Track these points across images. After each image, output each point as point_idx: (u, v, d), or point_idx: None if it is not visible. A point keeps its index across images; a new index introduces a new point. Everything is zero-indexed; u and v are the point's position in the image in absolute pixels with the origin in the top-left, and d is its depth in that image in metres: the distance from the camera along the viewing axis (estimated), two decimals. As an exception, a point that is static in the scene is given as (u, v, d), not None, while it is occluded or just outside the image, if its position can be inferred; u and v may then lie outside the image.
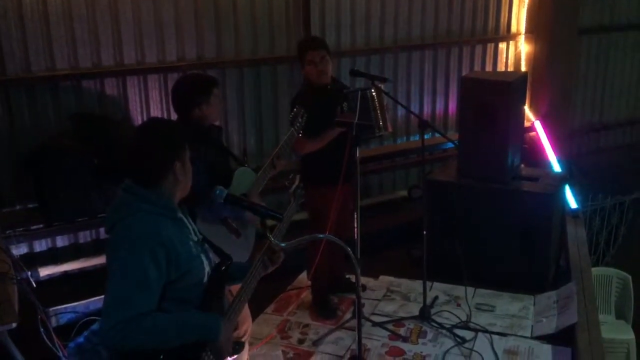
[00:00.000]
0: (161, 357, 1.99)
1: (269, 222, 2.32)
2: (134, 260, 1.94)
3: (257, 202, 2.76)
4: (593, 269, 4.95)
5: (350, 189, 3.72)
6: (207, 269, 2.16)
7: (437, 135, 4.97)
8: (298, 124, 3.30)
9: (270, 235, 2.21)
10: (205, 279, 2.14)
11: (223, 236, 2.90)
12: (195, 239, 2.18)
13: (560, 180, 4.93)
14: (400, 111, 5.76)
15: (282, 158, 3.21)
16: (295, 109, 3.36)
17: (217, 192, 2.16)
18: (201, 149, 2.80)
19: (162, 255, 1.97)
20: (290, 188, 2.71)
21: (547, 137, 6.39)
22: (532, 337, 3.90)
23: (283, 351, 3.83)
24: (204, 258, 2.16)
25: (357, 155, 3.34)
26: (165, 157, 2.05)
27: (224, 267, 2.20)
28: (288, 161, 3.26)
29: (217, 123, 3.23)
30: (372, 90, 3.76)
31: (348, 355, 3.73)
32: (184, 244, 2.07)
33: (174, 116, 3.16)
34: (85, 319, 3.90)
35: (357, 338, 2.53)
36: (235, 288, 2.40)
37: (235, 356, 2.20)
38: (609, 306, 5.13)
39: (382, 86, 3.85)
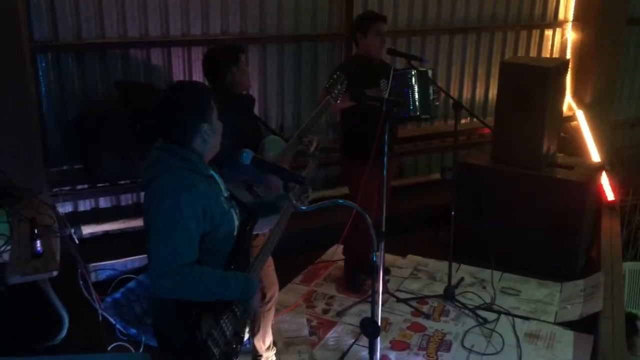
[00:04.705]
0: (193, 313, 2.11)
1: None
2: (175, 213, 2.04)
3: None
4: (630, 264, 4.89)
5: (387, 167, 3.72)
6: (236, 222, 2.29)
7: (476, 120, 4.96)
8: (337, 91, 3.24)
9: (292, 198, 2.31)
10: (235, 232, 2.28)
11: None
12: (226, 194, 2.30)
13: (597, 170, 4.87)
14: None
15: (309, 132, 3.15)
16: (336, 75, 3.30)
17: (244, 154, 2.25)
18: (232, 116, 2.89)
19: (199, 208, 2.09)
20: (308, 150, 2.78)
21: (589, 127, 6.27)
22: (555, 323, 3.92)
23: (307, 319, 3.95)
24: (233, 213, 2.29)
25: (387, 132, 3.34)
26: (192, 121, 2.13)
27: (251, 222, 2.35)
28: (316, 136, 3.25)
29: (249, 92, 3.30)
30: (413, 72, 3.77)
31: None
32: (216, 199, 2.18)
33: None
34: (122, 277, 4.12)
35: (371, 294, 2.55)
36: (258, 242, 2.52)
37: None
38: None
39: (427, 70, 3.85)
